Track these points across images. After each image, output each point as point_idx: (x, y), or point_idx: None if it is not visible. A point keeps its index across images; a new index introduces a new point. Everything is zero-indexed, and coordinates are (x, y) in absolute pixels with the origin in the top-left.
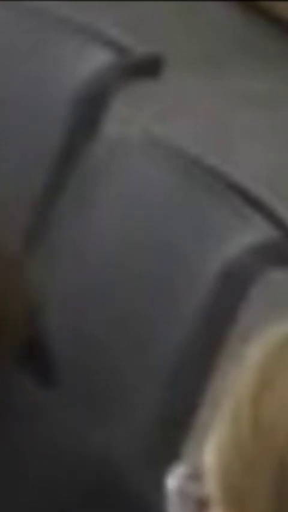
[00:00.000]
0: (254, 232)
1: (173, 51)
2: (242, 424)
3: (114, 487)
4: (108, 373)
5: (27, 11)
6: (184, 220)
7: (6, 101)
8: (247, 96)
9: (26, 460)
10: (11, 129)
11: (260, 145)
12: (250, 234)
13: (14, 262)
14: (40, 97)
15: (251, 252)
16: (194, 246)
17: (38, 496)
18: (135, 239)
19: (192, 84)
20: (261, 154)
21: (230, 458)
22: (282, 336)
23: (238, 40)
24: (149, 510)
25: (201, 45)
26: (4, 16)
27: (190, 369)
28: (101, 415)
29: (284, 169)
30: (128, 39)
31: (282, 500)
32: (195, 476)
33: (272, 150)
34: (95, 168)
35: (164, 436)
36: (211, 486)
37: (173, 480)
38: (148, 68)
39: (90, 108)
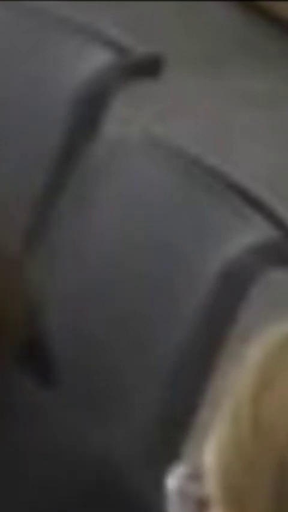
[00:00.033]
0: (254, 232)
1: (173, 51)
2: (242, 424)
3: (114, 487)
4: (108, 373)
5: (27, 11)
6: (184, 220)
7: (6, 101)
8: (247, 96)
9: (26, 460)
10: (11, 129)
11: (260, 145)
12: (250, 234)
13: (14, 262)
14: (40, 97)
15: (251, 252)
16: (194, 246)
17: (38, 496)
18: (135, 239)
19: (192, 84)
20: (261, 154)
21: (230, 458)
22: (282, 336)
23: (238, 40)
24: (149, 510)
25: (201, 45)
26: (4, 16)
27: (190, 369)
28: (101, 415)
29: (284, 169)
30: (128, 39)
31: (282, 500)
32: (195, 476)
33: (272, 150)
34: (95, 168)
35: (164, 436)
36: (211, 486)
37: (173, 480)
38: (148, 68)
39: (90, 108)
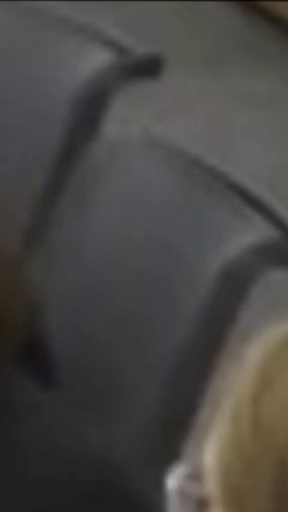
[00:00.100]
0: (254, 232)
1: (173, 51)
2: (242, 424)
3: (114, 487)
4: (108, 373)
5: (27, 11)
6: (184, 220)
7: (6, 101)
8: (247, 96)
9: (26, 460)
10: (11, 129)
11: (260, 145)
12: (250, 234)
13: (14, 262)
14: (40, 97)
15: (251, 252)
16: (194, 246)
17: (38, 496)
18: (135, 239)
19: (192, 84)
20: (261, 154)
21: (230, 458)
22: (282, 336)
23: (238, 40)
24: (149, 510)
25: (201, 45)
26: (4, 16)
27: (190, 369)
28: (101, 415)
29: (284, 169)
30: (128, 39)
31: (282, 500)
32: (195, 476)
33: (272, 150)
34: (95, 168)
35: (164, 436)
36: (211, 486)
37: (173, 480)
38: (148, 68)
39: (90, 108)
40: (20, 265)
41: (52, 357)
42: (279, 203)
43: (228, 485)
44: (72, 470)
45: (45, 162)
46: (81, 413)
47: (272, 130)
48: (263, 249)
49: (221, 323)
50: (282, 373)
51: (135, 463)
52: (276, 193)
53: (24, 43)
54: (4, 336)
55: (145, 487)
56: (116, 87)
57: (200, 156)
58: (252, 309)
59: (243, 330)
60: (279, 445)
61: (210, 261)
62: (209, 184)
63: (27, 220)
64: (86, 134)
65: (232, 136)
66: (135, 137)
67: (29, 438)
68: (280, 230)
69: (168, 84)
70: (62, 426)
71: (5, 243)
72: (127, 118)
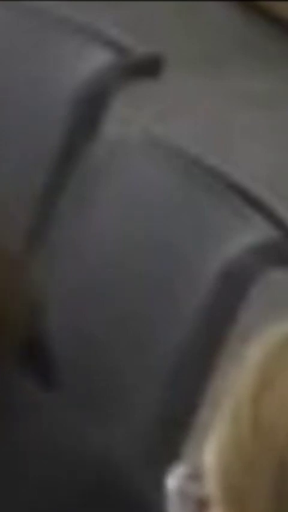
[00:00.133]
0: (254, 232)
1: (173, 51)
2: (242, 424)
3: (114, 487)
4: (108, 373)
5: (27, 11)
6: (184, 220)
7: (6, 101)
8: (247, 96)
9: (26, 460)
10: (11, 129)
11: (260, 145)
12: (250, 234)
13: (14, 262)
14: (40, 97)
15: (251, 252)
16: (194, 246)
17: (38, 496)
18: (135, 239)
19: (192, 84)
20: (261, 154)
21: (230, 458)
22: (282, 336)
23: (238, 40)
24: (149, 510)
25: (201, 45)
26: (4, 16)
27: (190, 369)
28: (101, 415)
29: (284, 169)
30: (128, 39)
31: (282, 500)
32: (195, 476)
33: (272, 150)
34: (95, 168)
35: (164, 436)
36: (211, 486)
37: (173, 480)
38: (148, 68)
39: (90, 108)
40: (20, 265)
41: (52, 357)
42: (279, 203)
43: (228, 485)
44: (72, 470)
45: (45, 162)
46: (81, 413)
47: (272, 130)
48: (263, 249)
49: (221, 323)
50: (282, 373)
51: (135, 463)
52: (276, 193)
53: (24, 43)
54: (4, 336)
55: (145, 487)
56: (116, 87)
57: (200, 156)
58: (252, 309)
59: (243, 330)
60: (279, 445)
61: (210, 261)
62: (209, 184)
63: (27, 220)
64: (86, 134)
65: (232, 136)
66: (135, 137)
67: (29, 438)
68: (280, 230)
69: (168, 84)
70: (62, 426)
71: (5, 243)
72: (127, 118)
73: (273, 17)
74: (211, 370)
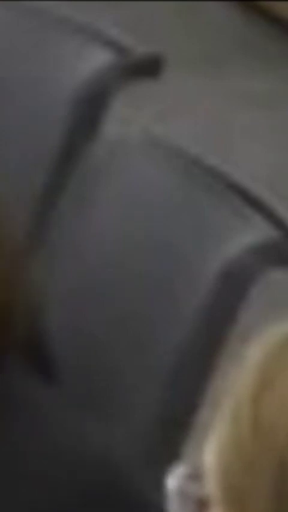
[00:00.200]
0: (254, 232)
1: (173, 51)
2: (242, 424)
3: (114, 487)
4: (108, 373)
5: (27, 11)
6: (184, 220)
7: (6, 101)
8: (247, 96)
9: (26, 460)
10: (11, 129)
11: (260, 145)
12: (250, 234)
13: (14, 262)
14: (40, 97)
15: (251, 252)
16: (194, 246)
17: (38, 496)
18: (135, 239)
19: (192, 84)
20: (261, 154)
21: (230, 458)
22: (282, 336)
23: (238, 40)
24: (149, 510)
25: (201, 45)
26: (4, 16)
27: (190, 369)
28: (101, 415)
29: (284, 169)
30: (128, 39)
31: (282, 500)
32: (195, 476)
33: (272, 150)
34: (95, 168)
35: (164, 436)
36: (211, 486)
37: (173, 480)
38: (148, 68)
39: (90, 108)
40: (20, 265)
41: (52, 356)
42: (279, 203)
43: (228, 485)
44: (72, 470)
45: (45, 162)
46: (81, 413)
47: (272, 130)
48: (263, 249)
49: (221, 323)
50: (282, 373)
51: (135, 463)
52: (276, 193)
53: (24, 43)
54: (4, 336)
55: (145, 487)
56: (116, 87)
57: (200, 156)
58: (252, 309)
59: (243, 330)
60: (279, 445)
61: (210, 261)
62: (209, 184)
63: (27, 220)
64: (86, 134)
65: (232, 136)
66: (135, 137)
67: (29, 438)
68: (280, 230)
69: (168, 84)
70: (62, 426)
71: (5, 243)
72: (127, 118)
73: (273, 17)
74: (211, 370)
